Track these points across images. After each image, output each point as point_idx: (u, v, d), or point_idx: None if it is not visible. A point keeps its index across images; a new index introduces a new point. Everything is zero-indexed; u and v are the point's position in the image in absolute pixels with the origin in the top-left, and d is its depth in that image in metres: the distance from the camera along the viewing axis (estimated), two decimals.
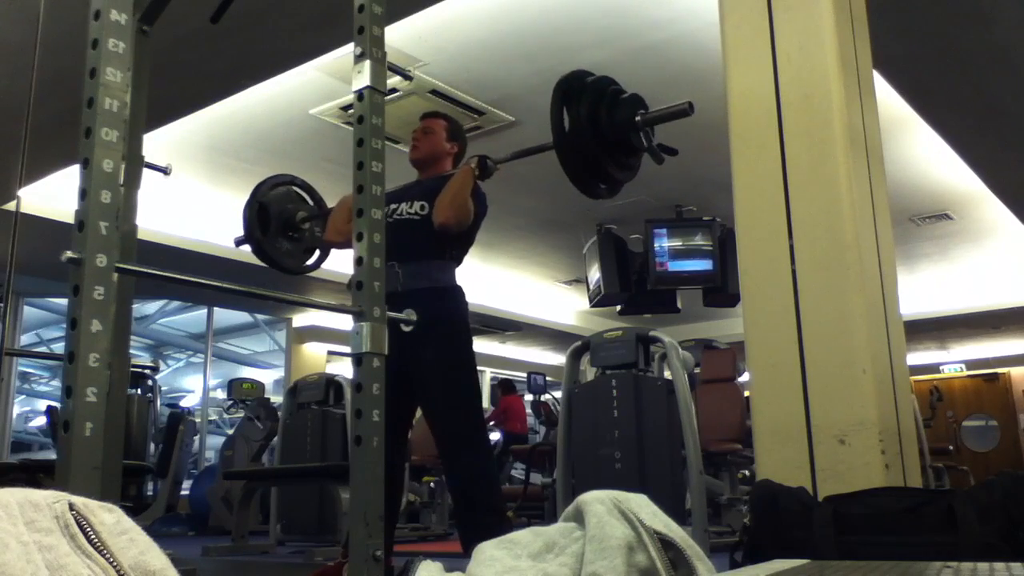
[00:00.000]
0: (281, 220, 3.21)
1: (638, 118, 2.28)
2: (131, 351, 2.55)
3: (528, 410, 9.19)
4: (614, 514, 0.77)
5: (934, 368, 12.00)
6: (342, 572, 2.48)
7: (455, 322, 2.78)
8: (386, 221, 2.93)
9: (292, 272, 3.33)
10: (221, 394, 10.28)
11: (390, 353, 2.70)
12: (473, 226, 2.84)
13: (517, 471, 7.95)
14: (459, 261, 2.89)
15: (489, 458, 2.89)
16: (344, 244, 2.89)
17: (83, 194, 1.12)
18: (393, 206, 2.90)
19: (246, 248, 3.26)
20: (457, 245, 2.85)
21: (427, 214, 2.79)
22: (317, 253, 3.36)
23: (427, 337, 2.49)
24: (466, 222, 2.77)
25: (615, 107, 2.29)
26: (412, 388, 2.73)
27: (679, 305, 7.13)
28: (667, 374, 3.80)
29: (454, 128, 3.05)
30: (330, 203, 3.22)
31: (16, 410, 9.86)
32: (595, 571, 0.72)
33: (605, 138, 2.27)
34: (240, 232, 3.23)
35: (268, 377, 11.48)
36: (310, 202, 3.37)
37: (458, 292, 2.84)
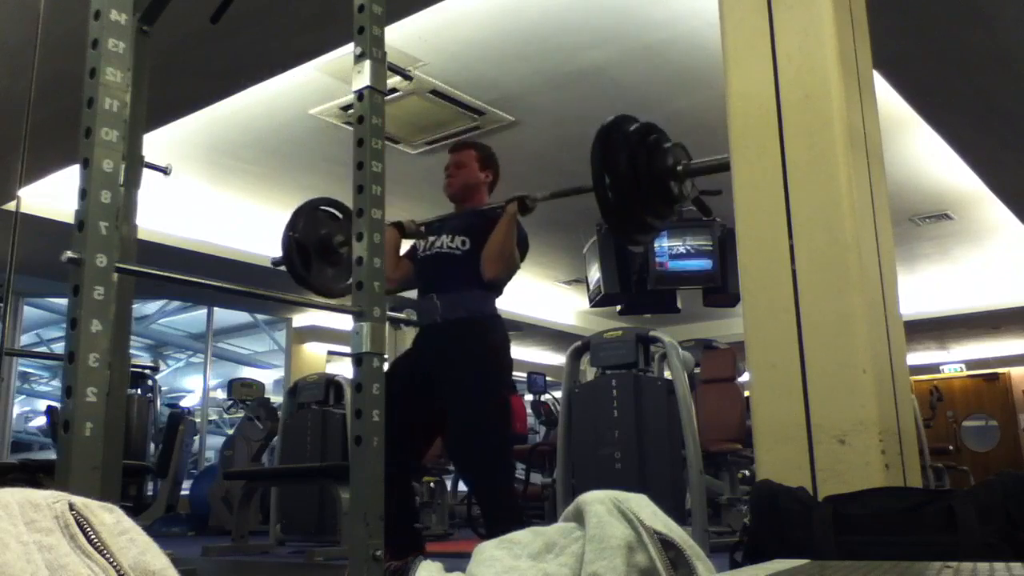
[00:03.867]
0: (319, 250, 3.15)
1: (680, 168, 2.30)
2: (131, 351, 2.54)
3: (528, 410, 9.18)
4: (614, 514, 0.77)
5: (934, 368, 11.99)
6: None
7: (491, 349, 2.82)
8: (426, 253, 2.98)
9: (343, 295, 3.28)
10: (221, 394, 10.28)
11: (426, 368, 2.72)
12: (518, 266, 2.94)
13: (517, 471, 7.94)
14: (500, 292, 2.95)
15: (508, 481, 2.91)
16: (396, 291, 3.01)
17: (83, 194, 1.12)
18: (432, 238, 2.98)
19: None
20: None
21: (468, 249, 2.87)
22: None
23: (463, 364, 2.61)
24: (514, 270, 2.89)
25: (655, 156, 2.31)
26: (443, 407, 2.77)
27: (679, 305, 7.12)
28: (667, 374, 3.80)
29: (485, 156, 3.11)
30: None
31: (16, 410, 9.86)
32: (595, 571, 0.72)
33: (644, 190, 2.29)
34: (277, 252, 3.15)
35: (268, 377, 11.48)
36: (341, 216, 3.30)
37: (497, 321, 2.89)
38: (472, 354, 2.74)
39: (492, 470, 2.75)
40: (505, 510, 2.71)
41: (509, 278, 2.88)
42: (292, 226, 3.12)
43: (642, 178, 2.27)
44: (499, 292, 2.95)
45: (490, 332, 2.85)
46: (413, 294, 3.10)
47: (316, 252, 3.13)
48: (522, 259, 2.94)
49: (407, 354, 3.04)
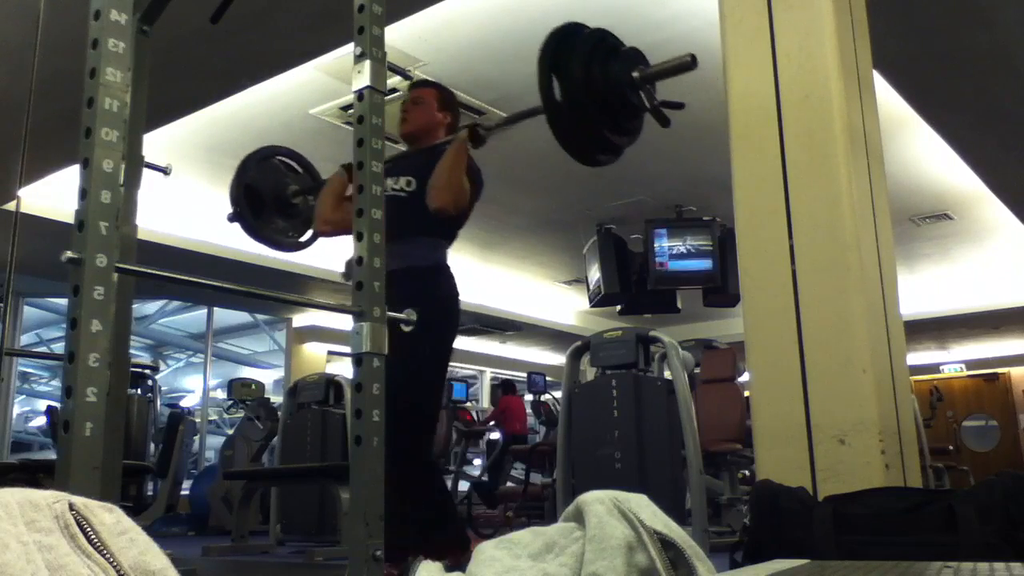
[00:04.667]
0: (272, 198, 3.01)
1: (636, 75, 2.03)
2: (131, 351, 2.54)
3: (528, 410, 9.18)
4: (614, 514, 0.77)
5: (934, 368, 11.99)
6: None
7: (439, 302, 2.58)
8: None
9: (292, 249, 3.15)
10: (221, 394, 10.28)
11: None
12: (470, 205, 2.64)
13: (517, 471, 7.95)
14: (451, 240, 2.71)
15: (428, 445, 2.62)
16: (334, 233, 2.75)
17: (83, 194, 1.12)
18: None
19: (238, 227, 3.09)
20: (449, 223, 2.65)
21: (415, 190, 2.61)
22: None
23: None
24: (464, 204, 2.57)
25: (610, 64, 2.02)
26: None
27: (679, 305, 7.13)
28: (667, 374, 3.80)
29: (445, 96, 2.87)
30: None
31: (16, 410, 9.86)
32: (595, 571, 0.72)
33: (600, 100, 2.01)
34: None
35: (268, 377, 11.48)
36: (299, 170, 3.16)
37: (445, 272, 2.65)
38: (417, 305, 2.43)
39: (417, 429, 2.52)
40: (419, 469, 2.50)
41: (458, 213, 2.57)
42: (243, 170, 2.97)
43: (596, 85, 1.98)
44: (450, 240, 2.70)
45: (437, 283, 2.61)
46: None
47: (269, 201, 2.97)
48: (476, 197, 2.64)
49: None
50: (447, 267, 2.67)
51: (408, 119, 2.81)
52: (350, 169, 2.78)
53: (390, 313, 1.52)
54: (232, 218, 3.07)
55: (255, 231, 3.03)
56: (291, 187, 3.06)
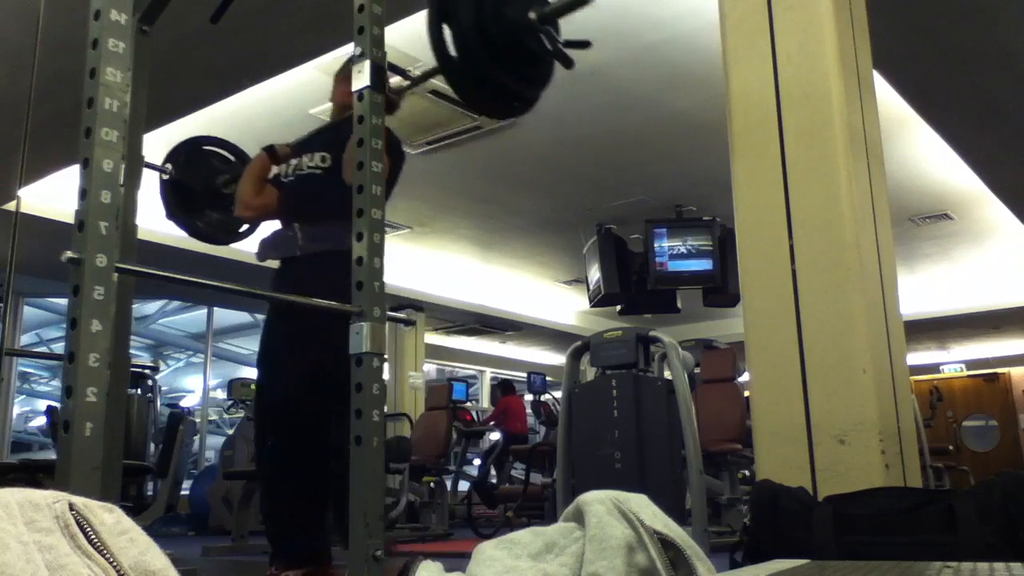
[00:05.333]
0: (203, 191, 2.86)
1: (533, 15, 1.85)
2: (131, 351, 2.52)
3: (528, 410, 9.19)
4: (614, 514, 0.77)
5: (934, 368, 11.99)
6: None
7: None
8: (288, 178, 2.55)
9: (230, 241, 3.03)
10: (221, 394, 10.28)
11: (279, 326, 2.27)
12: (390, 180, 2.46)
13: (517, 471, 7.95)
14: None
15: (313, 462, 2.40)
16: (256, 218, 2.62)
17: (83, 194, 1.12)
18: (294, 161, 2.57)
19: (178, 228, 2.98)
20: None
21: (330, 167, 2.46)
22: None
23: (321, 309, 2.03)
24: (383, 177, 2.46)
25: (504, 6, 1.84)
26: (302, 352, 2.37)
27: (679, 305, 7.13)
28: (667, 374, 3.80)
29: None
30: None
31: (16, 410, 9.86)
32: (595, 571, 0.72)
33: (495, 47, 1.82)
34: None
35: None
36: (230, 157, 2.99)
37: None
38: (332, 293, 2.13)
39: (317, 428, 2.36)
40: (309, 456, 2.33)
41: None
42: (170, 163, 2.79)
43: (490, 30, 1.80)
44: None
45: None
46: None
47: (200, 194, 2.83)
48: (398, 168, 2.47)
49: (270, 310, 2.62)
50: None
51: (333, 95, 2.71)
52: (271, 150, 2.64)
53: (390, 313, 1.52)
54: (168, 216, 2.93)
55: (189, 227, 2.88)
56: (220, 178, 2.89)
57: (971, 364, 11.99)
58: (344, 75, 2.69)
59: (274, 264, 2.55)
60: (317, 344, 2.32)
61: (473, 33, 1.77)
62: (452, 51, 1.77)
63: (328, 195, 2.38)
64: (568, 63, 1.92)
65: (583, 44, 1.97)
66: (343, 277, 2.31)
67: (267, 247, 2.54)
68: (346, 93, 2.58)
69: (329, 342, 2.35)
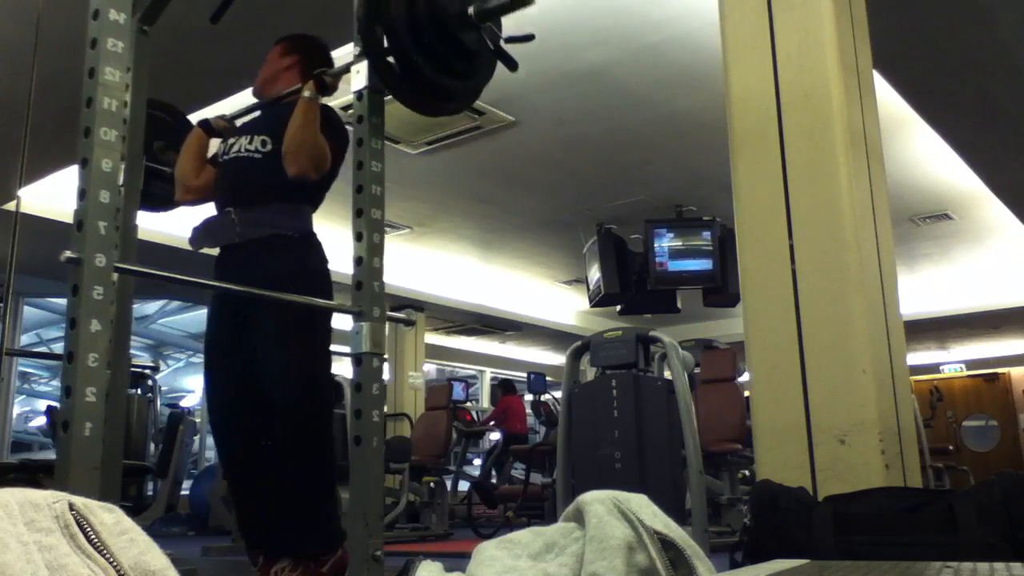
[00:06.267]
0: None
1: (471, 10, 1.77)
2: (131, 351, 2.50)
3: (528, 410, 9.19)
4: (614, 514, 0.77)
5: (934, 368, 11.99)
6: None
7: (306, 276, 2.28)
8: (225, 159, 2.45)
9: (167, 209, 2.87)
10: None
11: (229, 315, 2.18)
12: (334, 164, 2.39)
13: (517, 471, 7.95)
14: (316, 205, 2.44)
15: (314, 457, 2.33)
16: (197, 202, 2.52)
17: (82, 194, 1.12)
18: (232, 140, 2.48)
19: None
20: (312, 186, 2.38)
21: (270, 151, 2.36)
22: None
23: (266, 297, 2.01)
24: (324, 165, 2.32)
25: (436, 3, 1.76)
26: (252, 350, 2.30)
27: (679, 305, 7.13)
28: (667, 374, 3.80)
29: (292, 43, 2.65)
30: None
31: (16, 410, 9.86)
32: (595, 571, 0.72)
33: (428, 45, 1.74)
34: None
35: None
36: (167, 119, 2.78)
37: (311, 241, 2.38)
38: (278, 281, 2.06)
39: (298, 427, 2.28)
40: (298, 469, 2.23)
41: (320, 173, 2.31)
42: None
43: (424, 28, 1.73)
44: (314, 204, 2.42)
45: (301, 253, 2.33)
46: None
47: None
48: (341, 153, 2.36)
49: (214, 299, 2.50)
50: (314, 236, 2.39)
51: (255, 81, 2.62)
52: (207, 125, 2.54)
53: (390, 313, 1.52)
54: None
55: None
56: (158, 143, 2.68)
57: (971, 364, 11.99)
58: (289, 52, 2.60)
59: (213, 252, 2.43)
60: (307, 339, 2.32)
61: (406, 31, 1.70)
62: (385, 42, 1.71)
63: (268, 179, 2.32)
64: (512, 65, 1.85)
65: (526, 38, 1.89)
66: (293, 262, 2.28)
67: (201, 235, 2.44)
68: (266, 69, 2.56)
69: (315, 335, 2.38)
